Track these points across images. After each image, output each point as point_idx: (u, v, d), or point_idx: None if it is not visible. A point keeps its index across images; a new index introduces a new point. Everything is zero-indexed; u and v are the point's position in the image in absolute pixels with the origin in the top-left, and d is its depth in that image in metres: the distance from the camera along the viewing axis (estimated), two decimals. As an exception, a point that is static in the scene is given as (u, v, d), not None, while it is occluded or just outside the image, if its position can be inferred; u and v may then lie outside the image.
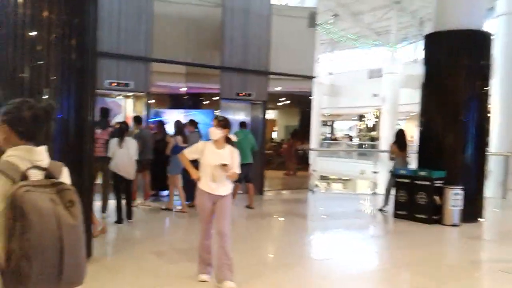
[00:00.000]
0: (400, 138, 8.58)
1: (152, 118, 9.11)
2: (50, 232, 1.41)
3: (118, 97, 9.97)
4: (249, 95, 10.13)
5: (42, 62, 4.23)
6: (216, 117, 4.47)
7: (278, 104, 12.66)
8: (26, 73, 4.19)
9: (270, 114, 14.05)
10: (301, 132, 12.49)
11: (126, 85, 8.56)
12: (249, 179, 8.45)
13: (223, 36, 9.72)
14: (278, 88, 11.29)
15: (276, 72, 10.48)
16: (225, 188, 4.22)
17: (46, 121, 1.76)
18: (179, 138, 7.85)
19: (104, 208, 7.21)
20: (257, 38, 10.17)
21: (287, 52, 10.69)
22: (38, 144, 1.72)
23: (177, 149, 7.61)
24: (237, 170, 4.24)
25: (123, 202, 6.87)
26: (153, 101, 9.27)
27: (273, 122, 14.10)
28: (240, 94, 10.03)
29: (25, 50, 4.18)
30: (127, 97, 9.86)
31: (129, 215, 6.97)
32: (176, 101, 10.02)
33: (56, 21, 4.29)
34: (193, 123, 8.37)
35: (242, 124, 8.78)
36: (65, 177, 1.83)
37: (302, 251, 5.98)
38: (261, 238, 6.50)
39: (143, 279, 4.38)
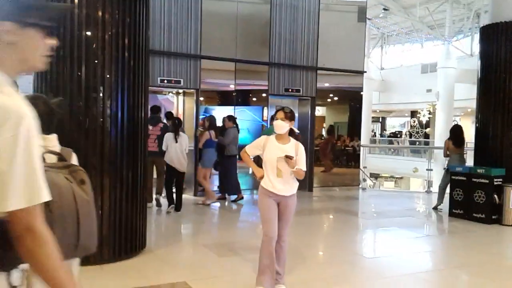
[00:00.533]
0: (456, 134, 8.21)
1: (203, 115, 9.26)
2: (68, 205, 1.57)
3: (169, 94, 10.22)
4: (298, 91, 10.06)
5: (97, 61, 4.40)
6: (282, 109, 3.86)
7: (328, 100, 12.49)
8: (83, 71, 4.37)
9: (319, 111, 13.90)
10: (351, 129, 12.28)
11: (177, 82, 8.75)
12: None
13: (271, 32, 9.70)
14: (327, 84, 11.14)
15: (325, 68, 10.35)
16: (290, 187, 3.81)
17: (57, 114, 2.11)
18: (212, 133, 8.04)
19: (159, 193, 7.71)
20: (305, 33, 10.08)
21: (336, 48, 10.53)
22: (49, 133, 2.06)
23: (210, 143, 7.84)
24: (303, 166, 3.78)
25: (174, 193, 7.28)
26: (202, 98, 9.41)
27: (322, 118, 13.93)
28: (289, 90, 9.98)
29: (81, 49, 4.36)
30: (178, 94, 10.09)
31: (178, 207, 7.29)
32: (225, 98, 10.14)
33: (110, 21, 4.44)
34: (231, 118, 8.48)
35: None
36: (74, 160, 2.15)
37: (353, 248, 5.86)
38: (311, 235, 6.43)
39: (195, 270, 4.46)
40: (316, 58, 10.18)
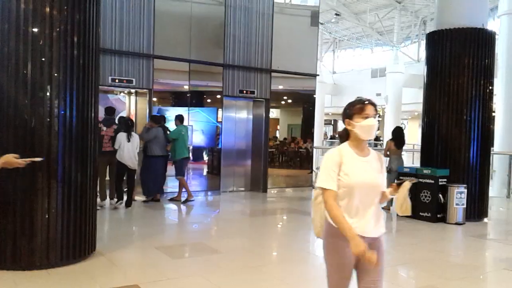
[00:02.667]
0: (397, 135, 8.50)
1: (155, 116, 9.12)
2: None
3: (121, 94, 9.98)
4: (252, 92, 10.12)
5: (44, 59, 4.22)
6: (369, 101, 2.47)
7: (282, 102, 12.65)
8: (29, 69, 4.18)
9: (273, 113, 14.02)
10: (304, 131, 12.49)
11: (129, 81, 8.56)
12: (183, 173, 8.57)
13: (225, 34, 9.70)
14: (281, 87, 11.27)
15: (279, 70, 10.46)
16: (381, 224, 2.52)
17: None
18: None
19: (112, 195, 7.83)
20: (259, 36, 10.16)
21: (289, 50, 10.68)
22: None
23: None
24: (385, 188, 2.59)
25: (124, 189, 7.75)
26: (155, 98, 9.26)
27: (276, 120, 14.07)
28: (243, 92, 10.01)
29: (27, 46, 4.17)
30: (130, 94, 9.87)
31: (129, 203, 7.67)
32: (179, 98, 10.03)
33: (59, 17, 4.28)
34: (153, 118, 8.43)
35: (180, 119, 8.55)
36: None
37: (306, 248, 5.96)
38: (265, 236, 6.48)
39: (147, 272, 4.37)
40: (270, 60, 10.27)
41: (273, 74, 10.39)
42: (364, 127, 2.43)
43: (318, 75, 11.81)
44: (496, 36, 10.13)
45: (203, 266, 4.67)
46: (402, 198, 2.67)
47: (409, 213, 2.71)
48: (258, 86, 10.18)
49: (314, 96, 11.88)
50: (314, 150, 12.39)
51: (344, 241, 2.30)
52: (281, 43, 10.43)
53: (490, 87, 7.82)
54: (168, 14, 9.11)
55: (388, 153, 8.41)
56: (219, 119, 10.03)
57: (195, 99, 10.04)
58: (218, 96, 9.92)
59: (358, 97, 2.51)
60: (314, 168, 11.96)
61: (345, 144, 2.51)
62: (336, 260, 2.45)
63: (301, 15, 11.31)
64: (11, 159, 2.88)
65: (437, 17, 8.26)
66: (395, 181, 3.83)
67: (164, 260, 4.86)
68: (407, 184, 2.62)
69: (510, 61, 12.94)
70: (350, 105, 2.51)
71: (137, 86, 8.78)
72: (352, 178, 2.40)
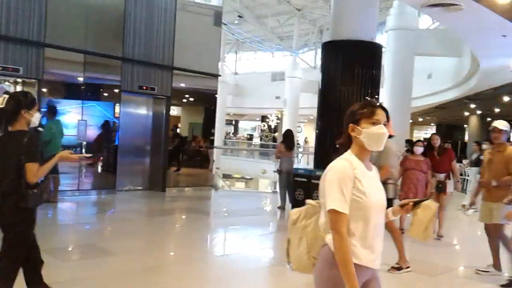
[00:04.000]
0: (288, 138, 8.88)
1: (45, 108, 8.44)
2: None
3: (5, 83, 9.08)
4: (152, 89, 9.84)
5: None
6: (380, 106, 2.12)
7: (183, 100, 12.50)
8: None
9: (175, 110, 13.80)
10: (205, 130, 12.47)
11: (15, 70, 7.82)
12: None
13: (125, 27, 9.31)
14: (183, 85, 11.13)
15: (181, 68, 10.32)
16: (380, 253, 2.10)
17: None
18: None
19: None
20: (161, 31, 9.92)
21: (192, 49, 10.58)
22: None
23: None
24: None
25: None
26: (45, 89, 8.58)
27: (177, 118, 13.89)
28: (143, 88, 9.70)
29: None
30: (16, 83, 9.02)
31: None
32: (72, 91, 9.40)
33: None
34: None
35: (53, 111, 7.71)
36: None
37: (204, 247, 5.96)
38: (163, 235, 6.34)
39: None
40: (172, 57, 10.09)
41: (175, 71, 10.22)
42: (373, 134, 2.02)
43: (220, 75, 11.88)
44: (384, 49, 11.12)
45: (93, 268, 4.43)
46: (427, 221, 2.35)
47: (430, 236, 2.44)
48: (159, 83, 9.94)
49: (216, 95, 11.92)
50: (215, 150, 12.44)
51: (357, 273, 1.91)
52: (184, 41, 10.30)
53: (377, 96, 8.51)
54: (63, 1, 8.51)
55: (279, 155, 8.75)
56: (117, 115, 9.60)
57: (90, 92, 9.49)
58: (116, 91, 9.48)
59: (366, 99, 2.18)
60: (214, 168, 12.00)
61: (351, 154, 2.06)
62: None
63: (204, 14, 11.27)
64: (68, 155, 3.08)
65: (331, 28, 8.78)
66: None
67: (52, 263, 4.52)
68: (433, 206, 2.29)
69: (395, 72, 14.23)
70: (358, 108, 2.11)
71: (24, 75, 8.06)
72: (369, 198, 1.97)
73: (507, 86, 14.80)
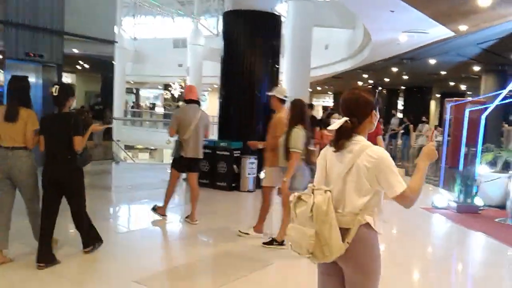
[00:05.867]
0: None
1: None
2: None
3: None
4: (41, 56, 9.02)
5: None
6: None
7: (78, 67, 11.68)
8: None
9: (67, 78, 12.89)
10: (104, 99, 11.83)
11: None
12: None
13: (6, -14, 8.34)
14: (76, 51, 10.37)
15: (73, 33, 9.56)
16: None
17: None
18: None
19: None
20: (49, -7, 9.06)
21: (85, 12, 9.84)
22: None
23: None
24: None
25: None
26: None
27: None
28: (30, 54, 8.84)
29: None
30: None
31: None
32: None
33: None
34: None
35: None
36: None
37: (106, 225, 5.73)
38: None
39: None
40: (62, 21, 9.28)
41: (66, 37, 9.44)
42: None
43: (116, 41, 11.24)
44: (284, 19, 11.28)
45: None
46: None
47: None
48: (48, 49, 9.12)
49: (113, 62, 11.30)
50: (114, 121, 11.89)
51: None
52: (75, 3, 9.52)
53: (277, 65, 8.68)
54: None
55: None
56: (1, 83, 8.69)
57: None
58: (0, 57, 8.55)
59: (371, 86, 2.33)
60: (115, 139, 11.49)
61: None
62: (379, 265, 2.17)
63: (98, -25, 10.50)
64: (95, 127, 4.60)
65: (233, -3, 8.69)
66: None
67: None
68: None
69: (294, 42, 14.57)
70: (376, 96, 2.24)
71: None
72: None
73: (395, 57, 16.00)
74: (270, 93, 5.09)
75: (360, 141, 2.13)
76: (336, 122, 2.16)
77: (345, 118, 2.15)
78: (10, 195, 4.04)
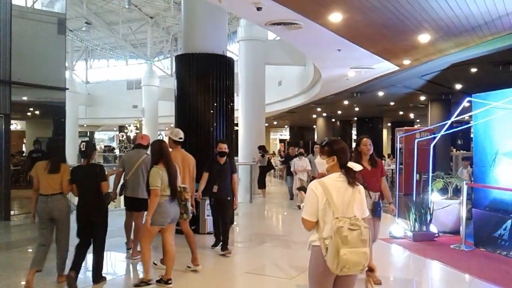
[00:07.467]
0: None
1: None
2: None
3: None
4: (-14, 107, 8.70)
5: None
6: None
7: (28, 114, 11.34)
8: None
9: (18, 125, 12.49)
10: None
11: None
12: None
13: None
14: (26, 98, 10.10)
15: (20, 82, 9.31)
16: None
17: None
18: None
19: None
20: (-6, 41, 8.85)
21: (34, 60, 9.66)
22: None
23: None
24: None
25: None
26: None
27: (22, 133, 12.58)
28: (-26, 106, 8.52)
29: None
30: None
31: None
32: None
33: None
34: None
35: None
36: None
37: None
38: (9, 276, 5.58)
39: None
40: (10, 70, 9.05)
41: (14, 86, 9.19)
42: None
43: (67, 88, 10.99)
44: (236, 59, 11.46)
45: None
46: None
47: None
48: (-5, 99, 8.83)
49: (65, 107, 11.03)
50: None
51: None
52: (24, 51, 9.35)
53: (231, 104, 8.74)
54: None
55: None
56: None
57: None
58: None
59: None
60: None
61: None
62: None
63: (46, 21, 10.38)
64: (110, 172, 5.73)
65: (184, 42, 8.82)
66: None
67: None
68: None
69: (248, 80, 14.85)
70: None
71: None
72: None
73: (346, 91, 16.56)
74: (165, 135, 5.58)
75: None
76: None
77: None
78: (51, 232, 4.89)
